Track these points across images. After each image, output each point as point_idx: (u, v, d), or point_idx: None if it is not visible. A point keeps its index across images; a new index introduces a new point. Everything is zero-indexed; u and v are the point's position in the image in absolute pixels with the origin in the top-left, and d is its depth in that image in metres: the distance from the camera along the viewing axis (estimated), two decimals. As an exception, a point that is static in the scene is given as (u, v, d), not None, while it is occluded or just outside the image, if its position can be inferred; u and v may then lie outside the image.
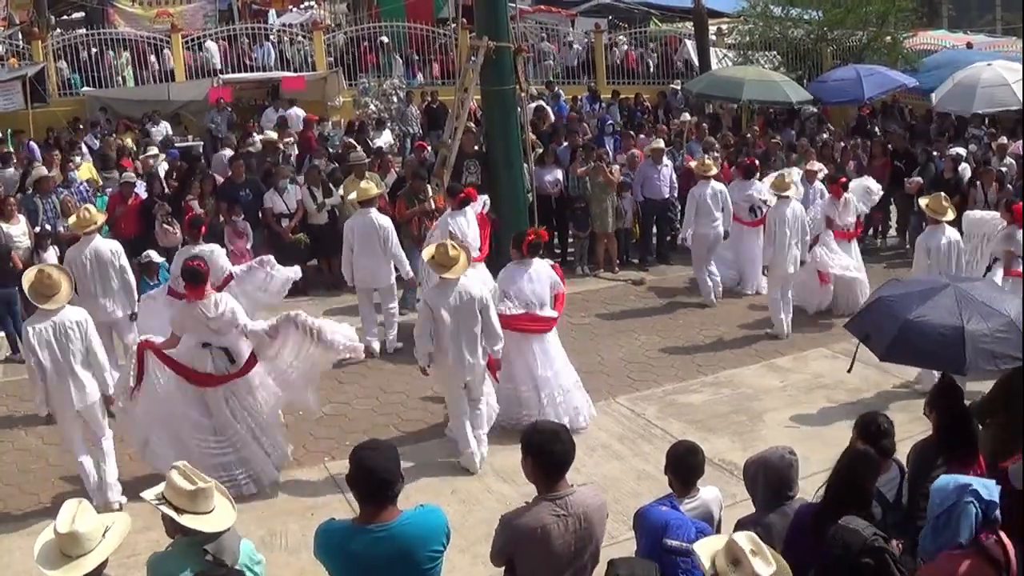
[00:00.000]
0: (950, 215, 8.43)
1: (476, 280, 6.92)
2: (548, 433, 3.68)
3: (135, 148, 14.64)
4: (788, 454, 4.05)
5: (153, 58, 19.19)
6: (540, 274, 7.37)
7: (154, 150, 13.74)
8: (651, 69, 22.57)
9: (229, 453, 6.47)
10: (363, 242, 9.01)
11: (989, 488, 3.30)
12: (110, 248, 8.11)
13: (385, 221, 9.17)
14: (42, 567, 3.31)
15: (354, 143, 14.00)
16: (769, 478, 3.99)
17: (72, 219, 8.40)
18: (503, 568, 3.82)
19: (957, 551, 3.29)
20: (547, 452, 3.62)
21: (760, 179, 11.50)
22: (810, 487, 4.76)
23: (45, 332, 6.10)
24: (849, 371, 6.77)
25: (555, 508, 3.61)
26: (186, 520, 3.50)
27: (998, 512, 3.30)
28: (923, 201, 8.69)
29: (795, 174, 11.17)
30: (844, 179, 11.06)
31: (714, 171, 10.93)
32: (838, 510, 3.75)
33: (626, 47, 22.57)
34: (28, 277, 6.26)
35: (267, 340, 6.52)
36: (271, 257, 8.55)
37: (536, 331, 7.30)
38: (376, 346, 9.23)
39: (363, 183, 9.79)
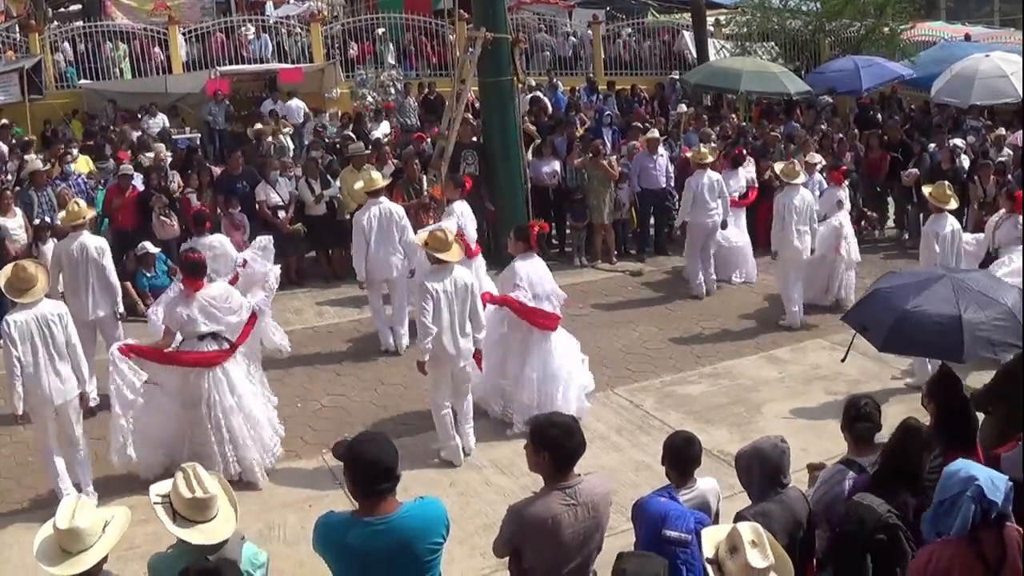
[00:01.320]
0: (952, 204, 8.48)
1: (466, 269, 6.94)
2: (563, 427, 3.68)
3: (133, 140, 14.63)
4: (780, 442, 4.08)
5: (157, 49, 19.12)
6: (542, 267, 7.35)
7: (161, 145, 13.68)
8: (638, 57, 22.50)
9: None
10: (380, 232, 8.85)
11: (997, 485, 3.24)
12: (96, 245, 7.92)
13: (399, 210, 9.04)
14: (41, 563, 3.29)
15: (352, 135, 14.00)
16: (764, 467, 4.00)
17: (62, 213, 8.29)
18: (507, 558, 3.81)
19: (953, 538, 3.29)
20: (563, 447, 3.62)
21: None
22: (805, 478, 4.78)
23: (27, 324, 5.95)
24: (843, 360, 6.80)
25: (565, 497, 3.60)
26: (177, 529, 3.46)
27: (1005, 508, 3.27)
28: (927, 189, 8.74)
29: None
30: (844, 167, 11.12)
31: (710, 160, 10.91)
32: (889, 484, 3.86)
33: (625, 38, 22.51)
34: (4, 273, 6.11)
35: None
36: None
37: (546, 327, 7.23)
38: (391, 341, 9.10)
39: (372, 172, 9.67)
